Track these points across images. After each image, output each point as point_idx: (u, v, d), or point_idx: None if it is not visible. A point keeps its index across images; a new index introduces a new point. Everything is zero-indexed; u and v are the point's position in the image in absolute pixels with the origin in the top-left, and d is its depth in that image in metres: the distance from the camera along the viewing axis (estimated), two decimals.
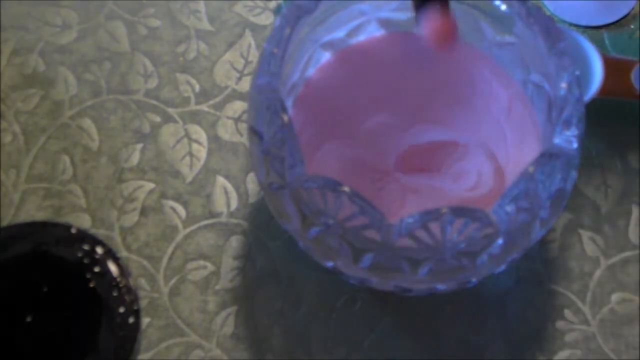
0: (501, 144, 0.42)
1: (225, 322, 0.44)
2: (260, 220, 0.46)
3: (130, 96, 0.49)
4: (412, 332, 0.44)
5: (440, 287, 0.38)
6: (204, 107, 0.49)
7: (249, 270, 0.45)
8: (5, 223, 0.46)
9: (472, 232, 0.34)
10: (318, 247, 0.37)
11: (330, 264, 0.38)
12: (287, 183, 0.35)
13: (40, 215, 0.46)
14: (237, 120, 0.49)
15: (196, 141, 0.48)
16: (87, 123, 0.48)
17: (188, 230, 0.46)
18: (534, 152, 0.40)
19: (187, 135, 0.48)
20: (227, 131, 0.48)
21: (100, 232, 0.45)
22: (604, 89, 0.46)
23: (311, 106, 0.42)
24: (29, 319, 0.42)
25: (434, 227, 0.33)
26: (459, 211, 0.33)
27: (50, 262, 0.44)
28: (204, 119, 0.49)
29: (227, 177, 0.47)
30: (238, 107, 0.49)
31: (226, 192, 0.47)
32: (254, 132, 0.37)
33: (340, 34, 0.43)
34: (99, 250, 0.44)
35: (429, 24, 0.36)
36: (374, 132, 0.42)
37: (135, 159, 0.47)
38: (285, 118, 0.34)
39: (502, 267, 0.38)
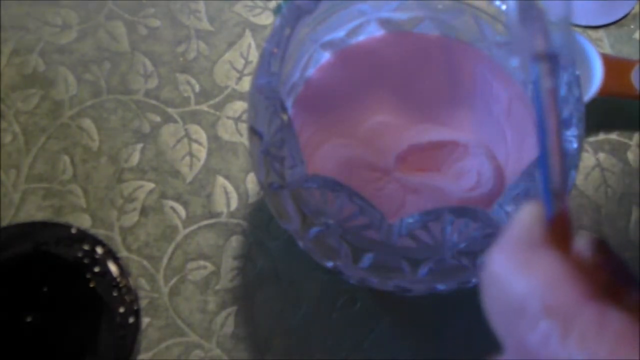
0: (501, 144, 0.42)
1: (225, 322, 0.44)
2: (260, 220, 0.46)
3: (130, 96, 0.49)
4: (412, 332, 0.44)
5: (440, 287, 0.38)
6: (204, 107, 0.49)
7: (249, 271, 0.45)
8: (5, 223, 0.46)
9: (472, 232, 0.34)
10: (318, 247, 0.37)
11: (330, 264, 0.38)
12: (287, 183, 0.35)
13: (40, 215, 0.46)
14: (237, 120, 0.49)
15: (196, 141, 0.48)
16: (87, 123, 0.48)
17: (188, 230, 0.46)
18: (534, 152, 0.40)
19: (187, 135, 0.48)
20: (227, 131, 0.48)
21: (100, 232, 0.45)
22: (604, 89, 0.47)
23: (311, 106, 0.42)
24: (29, 319, 0.42)
25: (434, 227, 0.33)
26: (459, 211, 0.33)
27: (50, 262, 0.44)
28: (204, 119, 0.49)
29: (227, 177, 0.47)
30: (238, 107, 0.49)
31: (226, 192, 0.47)
32: (254, 132, 0.37)
33: (340, 34, 0.43)
34: (99, 250, 0.44)
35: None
36: (373, 132, 0.42)
37: (135, 159, 0.47)
38: (285, 118, 0.34)
39: None
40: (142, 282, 0.44)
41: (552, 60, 0.26)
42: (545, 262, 0.20)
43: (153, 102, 0.49)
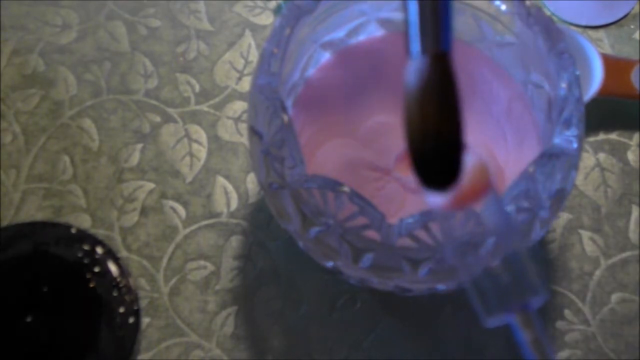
0: (501, 144, 0.42)
1: (225, 322, 0.44)
2: (260, 221, 0.46)
3: (130, 96, 0.49)
4: (412, 332, 0.44)
5: (440, 287, 0.38)
6: (204, 107, 0.49)
7: (249, 270, 0.45)
8: (5, 223, 0.46)
9: None
10: (318, 247, 0.37)
11: (330, 264, 0.38)
12: (287, 183, 0.35)
13: (40, 215, 0.46)
14: (237, 120, 0.49)
15: (196, 141, 0.48)
16: (87, 123, 0.48)
17: (188, 230, 0.46)
18: (534, 152, 0.40)
19: (187, 135, 0.48)
20: (227, 131, 0.48)
21: (100, 232, 0.45)
22: (604, 89, 0.47)
23: (311, 106, 0.42)
24: (29, 319, 0.42)
25: (434, 227, 0.33)
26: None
27: (50, 262, 0.44)
28: (204, 119, 0.49)
29: (227, 177, 0.47)
30: (238, 107, 0.49)
31: (226, 192, 0.47)
32: (254, 132, 0.37)
33: (340, 34, 0.43)
34: (99, 250, 0.44)
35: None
36: (373, 132, 0.42)
37: (135, 159, 0.47)
38: (285, 118, 0.34)
39: None
40: (142, 282, 0.44)
41: (526, 310, 0.28)
42: None
43: (153, 102, 0.49)
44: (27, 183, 0.47)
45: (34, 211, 0.46)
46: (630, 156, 0.48)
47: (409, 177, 0.41)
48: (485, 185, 0.29)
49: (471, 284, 0.29)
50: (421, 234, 0.34)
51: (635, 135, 0.48)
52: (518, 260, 0.29)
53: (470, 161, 0.28)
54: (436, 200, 0.29)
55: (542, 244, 0.45)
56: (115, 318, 0.43)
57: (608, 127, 0.48)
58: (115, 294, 0.43)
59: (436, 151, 0.27)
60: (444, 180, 0.27)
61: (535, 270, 0.29)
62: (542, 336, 0.28)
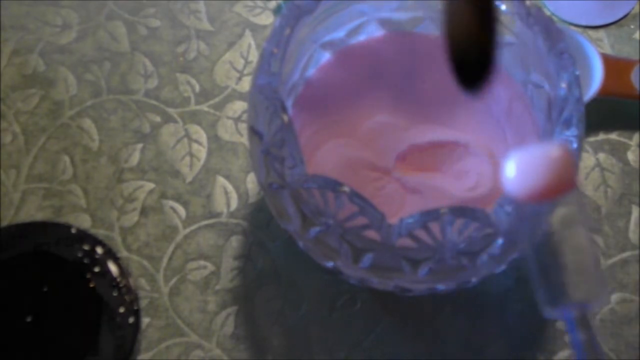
0: (501, 144, 0.42)
1: (225, 322, 0.44)
2: (260, 221, 0.46)
3: (130, 96, 0.49)
4: (412, 332, 0.44)
5: (440, 287, 0.38)
6: (204, 107, 0.49)
7: (249, 271, 0.45)
8: (5, 223, 0.46)
9: (472, 232, 0.34)
10: (318, 247, 0.37)
11: (330, 264, 0.38)
12: (287, 183, 0.35)
13: (40, 215, 0.46)
14: (237, 120, 0.49)
15: (196, 141, 0.48)
16: (87, 123, 0.48)
17: (188, 230, 0.46)
18: None
19: (187, 135, 0.48)
20: (227, 131, 0.48)
21: (100, 232, 0.45)
22: (604, 89, 0.47)
23: (311, 106, 0.42)
24: (29, 319, 0.42)
25: (434, 227, 0.33)
26: (459, 211, 0.33)
27: (50, 262, 0.44)
28: (204, 119, 0.49)
29: (227, 177, 0.47)
30: (238, 107, 0.49)
31: (226, 192, 0.47)
32: (254, 132, 0.37)
33: (340, 34, 0.43)
34: (99, 250, 0.44)
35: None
36: (374, 132, 0.42)
37: (135, 159, 0.47)
38: (285, 118, 0.34)
39: (502, 267, 0.38)
40: (142, 282, 0.44)
41: (585, 309, 0.28)
42: None
43: (153, 102, 0.49)
44: (27, 183, 0.47)
45: (34, 211, 0.46)
46: (630, 156, 0.48)
47: (409, 177, 0.41)
48: (570, 180, 0.28)
49: (539, 270, 0.29)
50: (421, 234, 0.34)
51: (635, 135, 0.48)
52: (589, 258, 0.28)
53: (558, 153, 0.28)
54: (516, 190, 0.28)
55: None
56: (115, 318, 0.43)
57: (608, 127, 0.49)
58: (115, 294, 0.43)
59: (474, 50, 0.28)
60: (479, 77, 0.29)
61: (603, 273, 0.29)
62: (595, 337, 0.28)
